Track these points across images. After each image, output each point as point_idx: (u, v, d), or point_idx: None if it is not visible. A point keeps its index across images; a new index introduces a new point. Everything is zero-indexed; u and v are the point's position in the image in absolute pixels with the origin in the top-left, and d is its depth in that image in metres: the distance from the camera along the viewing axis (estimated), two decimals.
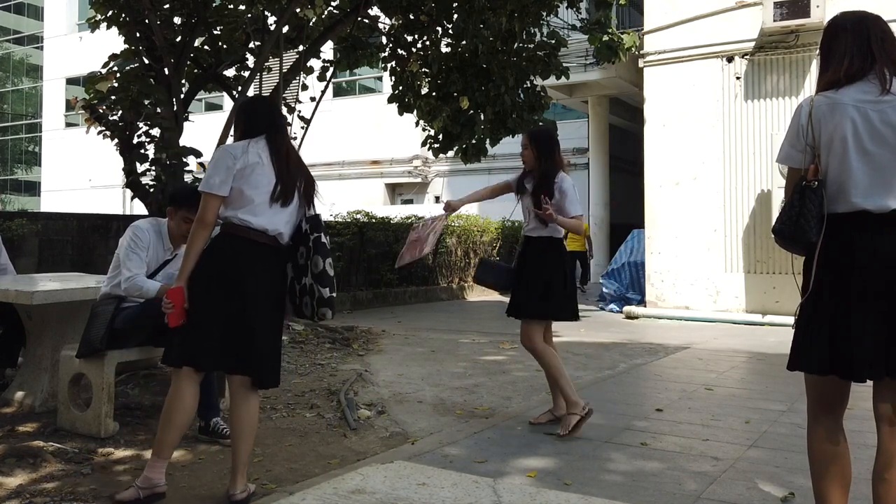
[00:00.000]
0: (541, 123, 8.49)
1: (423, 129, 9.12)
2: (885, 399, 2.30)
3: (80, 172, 26.79)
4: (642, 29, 11.15)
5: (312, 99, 7.96)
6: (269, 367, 3.06)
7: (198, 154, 7.14)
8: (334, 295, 3.22)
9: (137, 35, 7.26)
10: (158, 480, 2.95)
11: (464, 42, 8.30)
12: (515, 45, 8.39)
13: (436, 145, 8.92)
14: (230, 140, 3.06)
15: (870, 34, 2.32)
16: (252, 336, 2.98)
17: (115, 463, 3.50)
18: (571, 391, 3.99)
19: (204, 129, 10.82)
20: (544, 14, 8.47)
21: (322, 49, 8.41)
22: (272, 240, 3.06)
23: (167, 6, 7.39)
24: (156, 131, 7.17)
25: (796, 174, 2.37)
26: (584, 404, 3.96)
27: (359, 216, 12.12)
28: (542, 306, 4.06)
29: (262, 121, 3.14)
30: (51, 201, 27.84)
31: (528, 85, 8.66)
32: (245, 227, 2.99)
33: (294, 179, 3.10)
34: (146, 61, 7.30)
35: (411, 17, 8.49)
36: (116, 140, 7.31)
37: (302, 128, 7.90)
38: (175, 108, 7.15)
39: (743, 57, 10.25)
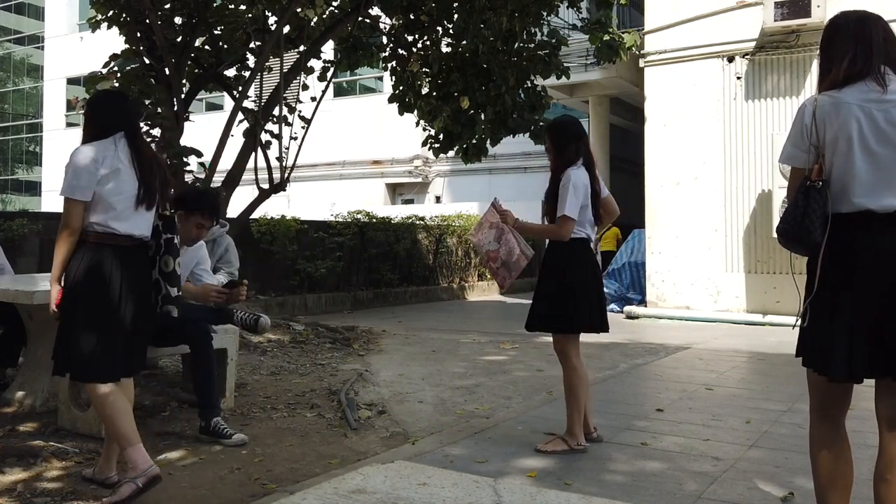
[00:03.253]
0: (541, 124, 8.48)
1: (424, 129, 9.12)
2: (887, 399, 2.28)
3: None
4: (643, 28, 11.15)
5: (313, 99, 7.96)
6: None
7: (198, 154, 7.14)
8: (180, 294, 3.23)
9: (138, 35, 7.26)
10: (145, 464, 2.90)
11: (464, 42, 8.30)
12: (516, 44, 8.38)
13: (436, 145, 8.92)
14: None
15: (871, 33, 2.31)
16: (144, 336, 3.13)
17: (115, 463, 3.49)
18: (577, 423, 3.69)
19: (204, 129, 10.83)
20: (545, 14, 8.47)
21: (323, 49, 8.41)
22: (138, 241, 3.08)
23: (168, 6, 7.39)
24: (156, 131, 7.17)
25: (800, 174, 2.35)
26: (582, 441, 3.68)
27: (359, 216, 12.12)
28: (554, 317, 3.72)
29: (116, 119, 3.06)
30: (52, 201, 27.82)
31: (529, 85, 8.65)
32: (111, 234, 2.97)
33: (155, 181, 3.08)
34: (147, 61, 7.30)
35: (412, 17, 8.48)
36: None
37: (303, 128, 7.90)
38: (175, 107, 7.16)
39: (744, 57, 10.25)
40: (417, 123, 9.07)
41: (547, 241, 3.86)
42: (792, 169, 2.40)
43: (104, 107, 3.13)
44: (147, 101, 7.10)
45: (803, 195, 2.28)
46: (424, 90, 8.70)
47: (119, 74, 7.34)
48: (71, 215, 2.93)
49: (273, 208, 10.59)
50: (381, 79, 22.04)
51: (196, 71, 7.99)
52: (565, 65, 8.83)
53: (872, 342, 2.19)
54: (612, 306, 11.43)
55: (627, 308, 10.75)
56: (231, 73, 8.35)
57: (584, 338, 3.86)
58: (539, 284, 3.82)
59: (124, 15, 7.25)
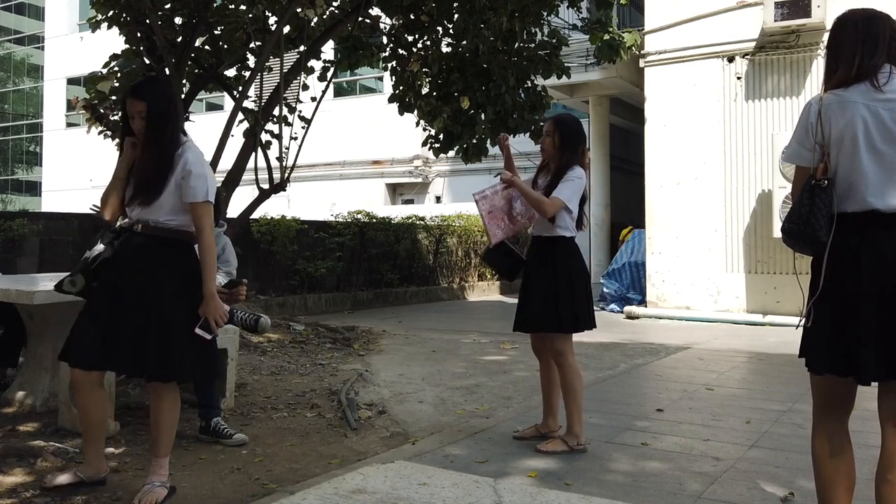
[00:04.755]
0: (541, 123, 8.47)
1: (424, 129, 9.11)
2: (890, 400, 2.28)
3: (81, 172, 26.78)
4: (643, 28, 11.15)
5: (313, 99, 7.95)
6: None
7: None
8: None
9: (138, 35, 7.26)
10: (164, 478, 2.99)
11: (464, 42, 8.29)
12: (516, 44, 8.38)
13: (436, 145, 8.91)
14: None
15: (879, 32, 2.30)
16: None
17: (115, 463, 3.49)
18: (578, 423, 3.68)
19: (205, 130, 10.82)
20: (545, 14, 8.46)
21: (323, 49, 8.40)
22: None
23: (168, 6, 7.39)
24: None
25: (804, 173, 2.34)
26: (583, 441, 3.68)
27: (359, 216, 12.12)
28: (558, 318, 3.68)
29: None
30: (52, 201, 27.82)
31: (529, 85, 8.66)
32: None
33: None
34: (147, 61, 7.30)
35: (412, 17, 8.48)
36: (117, 140, 7.31)
37: (303, 128, 7.90)
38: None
39: (744, 57, 10.25)
40: (417, 123, 9.07)
41: (532, 237, 3.87)
42: (796, 168, 2.39)
43: (177, 105, 3.16)
44: None
45: (808, 194, 2.27)
46: (424, 90, 8.70)
47: (119, 74, 7.34)
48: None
49: (273, 208, 10.58)
50: (381, 79, 22.03)
51: (196, 71, 7.99)
52: (565, 65, 8.83)
53: (878, 343, 2.19)
54: (613, 306, 11.44)
55: (627, 308, 10.75)
56: (231, 73, 8.34)
57: (585, 337, 3.85)
58: (535, 283, 3.78)
59: (124, 15, 7.25)
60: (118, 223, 3.08)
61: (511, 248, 3.96)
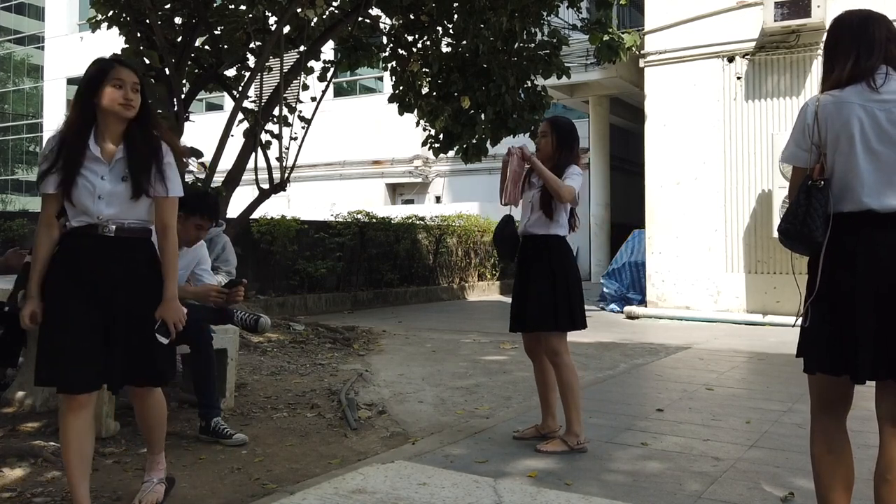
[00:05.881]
0: (541, 124, 8.49)
1: (424, 129, 9.12)
2: (888, 399, 2.28)
3: None
4: (643, 29, 11.15)
5: (313, 99, 7.96)
6: None
7: (198, 154, 7.14)
8: None
9: (138, 35, 7.26)
10: (162, 473, 3.00)
11: (464, 42, 8.30)
12: (516, 44, 8.39)
13: (436, 145, 8.92)
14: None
15: (875, 33, 2.31)
16: None
17: (115, 463, 3.50)
18: (577, 422, 3.68)
19: (205, 130, 10.83)
20: (545, 14, 8.47)
21: (323, 49, 8.41)
22: None
23: (168, 6, 7.39)
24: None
25: (801, 174, 2.35)
26: (583, 440, 3.68)
27: (359, 216, 12.12)
28: (555, 316, 3.69)
29: None
30: None
31: (529, 85, 8.66)
32: None
33: None
34: (147, 61, 7.30)
35: (412, 17, 8.48)
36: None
37: (303, 128, 7.90)
38: (176, 108, 7.16)
39: (744, 57, 10.25)
40: (417, 123, 9.07)
41: (523, 236, 3.88)
42: (793, 168, 2.40)
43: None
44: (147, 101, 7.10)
45: (805, 194, 2.28)
46: (424, 90, 8.70)
47: None
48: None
49: (273, 208, 10.59)
50: (381, 79, 22.05)
51: (196, 71, 7.99)
52: (565, 65, 8.83)
53: (875, 343, 2.19)
54: (613, 306, 11.44)
55: (627, 308, 10.75)
56: (231, 73, 8.34)
57: (585, 337, 3.86)
58: (531, 282, 3.78)
59: (124, 15, 7.25)
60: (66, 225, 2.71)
61: (515, 224, 3.97)
